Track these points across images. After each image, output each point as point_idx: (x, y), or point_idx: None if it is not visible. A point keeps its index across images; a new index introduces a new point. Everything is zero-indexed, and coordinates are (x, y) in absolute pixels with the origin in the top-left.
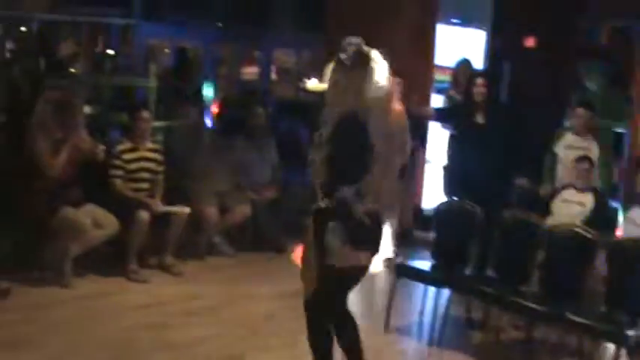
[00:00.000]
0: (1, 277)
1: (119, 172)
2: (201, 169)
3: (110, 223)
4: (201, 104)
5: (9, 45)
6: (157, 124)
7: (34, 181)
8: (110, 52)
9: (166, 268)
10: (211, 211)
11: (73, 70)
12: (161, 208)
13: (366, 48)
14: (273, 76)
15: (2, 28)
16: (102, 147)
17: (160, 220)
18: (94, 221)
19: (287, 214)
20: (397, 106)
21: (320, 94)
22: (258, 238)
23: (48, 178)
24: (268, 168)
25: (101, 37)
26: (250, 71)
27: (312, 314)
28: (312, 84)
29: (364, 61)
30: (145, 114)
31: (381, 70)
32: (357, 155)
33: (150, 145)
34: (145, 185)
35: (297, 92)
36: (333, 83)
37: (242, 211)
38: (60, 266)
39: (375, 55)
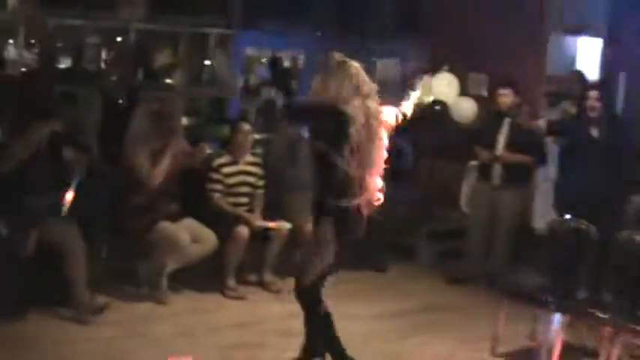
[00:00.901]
0: (97, 292)
1: (218, 187)
2: (301, 184)
3: (208, 238)
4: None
5: (105, 55)
6: (257, 136)
7: (131, 194)
8: (208, 62)
9: (265, 286)
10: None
11: (169, 80)
12: (260, 223)
13: (341, 56)
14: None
15: (98, 38)
16: (205, 147)
17: (260, 236)
18: (192, 236)
19: (388, 232)
20: (376, 103)
21: (421, 107)
22: (357, 257)
23: (146, 191)
24: None
25: (199, 47)
26: None
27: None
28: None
29: (340, 67)
30: (245, 126)
31: (357, 74)
32: (335, 147)
33: (250, 158)
34: (244, 200)
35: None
36: (314, 90)
37: None
38: (156, 282)
39: (351, 61)
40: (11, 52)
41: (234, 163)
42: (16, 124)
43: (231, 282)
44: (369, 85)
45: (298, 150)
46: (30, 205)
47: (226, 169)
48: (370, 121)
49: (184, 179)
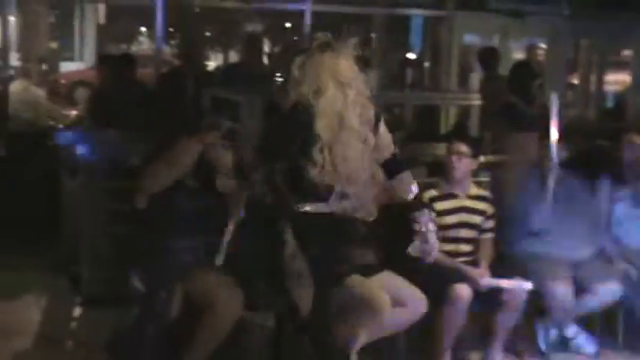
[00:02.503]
0: None
1: None
2: (549, 228)
3: (415, 300)
4: (546, 130)
5: (269, 47)
6: (484, 159)
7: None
8: (411, 56)
9: None
10: (562, 289)
11: None
12: (488, 281)
13: (327, 38)
14: None
15: (260, 24)
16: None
17: (487, 299)
18: (393, 297)
19: None
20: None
21: None
22: (632, 334)
23: None
24: None
25: (398, 35)
26: (618, 80)
27: None
28: None
29: (319, 50)
30: (463, 147)
31: (337, 60)
32: (299, 149)
33: (474, 190)
34: (465, 247)
35: None
36: (293, 79)
37: (608, 290)
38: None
39: (340, 44)
40: (144, 44)
41: (451, 196)
42: (152, 140)
43: None
44: (351, 73)
45: (547, 179)
46: (173, 252)
47: (441, 205)
48: (346, 114)
49: (382, 218)
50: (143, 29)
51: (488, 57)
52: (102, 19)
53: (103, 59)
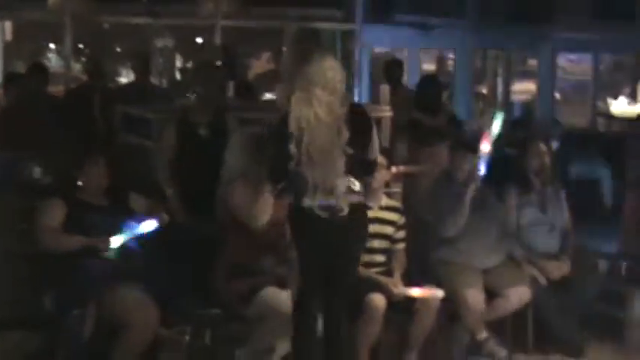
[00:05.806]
0: None
1: None
2: (460, 236)
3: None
4: (456, 140)
5: (180, 63)
6: (395, 170)
7: (225, 250)
8: None
9: None
10: (474, 295)
11: (271, 96)
12: (402, 290)
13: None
14: (558, 95)
15: (171, 40)
16: None
17: (401, 308)
18: None
19: (582, 300)
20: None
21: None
22: (541, 335)
23: (245, 244)
24: (555, 232)
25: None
26: (523, 89)
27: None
28: (619, 106)
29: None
30: (379, 159)
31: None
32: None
33: (385, 201)
34: (379, 258)
35: (594, 118)
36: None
37: (518, 295)
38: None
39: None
40: (54, 61)
41: None
42: (63, 159)
43: None
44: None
45: (455, 189)
46: (85, 270)
47: None
48: (317, 113)
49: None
50: (52, 46)
51: (392, 69)
52: (8, 37)
53: (10, 77)
